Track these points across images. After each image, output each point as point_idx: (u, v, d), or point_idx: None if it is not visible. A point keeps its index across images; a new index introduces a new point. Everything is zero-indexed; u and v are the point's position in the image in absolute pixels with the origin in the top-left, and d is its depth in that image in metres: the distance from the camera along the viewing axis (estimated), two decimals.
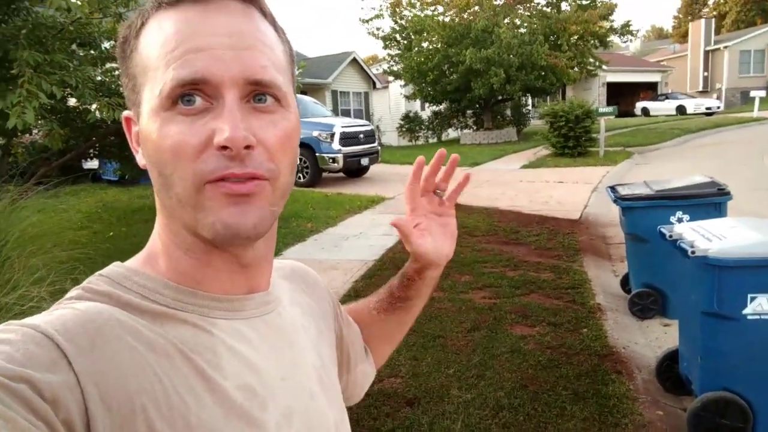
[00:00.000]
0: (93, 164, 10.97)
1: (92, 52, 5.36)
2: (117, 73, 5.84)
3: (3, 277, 3.16)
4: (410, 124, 24.32)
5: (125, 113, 0.58)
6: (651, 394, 3.02)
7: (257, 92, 0.52)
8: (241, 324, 0.57)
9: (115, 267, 0.55)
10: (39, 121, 4.13)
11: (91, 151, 7.37)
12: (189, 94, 0.50)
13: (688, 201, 3.88)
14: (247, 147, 0.50)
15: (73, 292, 0.52)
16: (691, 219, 3.87)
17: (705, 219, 3.88)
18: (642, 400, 2.93)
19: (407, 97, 21.86)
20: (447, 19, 18.78)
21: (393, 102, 26.00)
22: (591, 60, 20.36)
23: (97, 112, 4.61)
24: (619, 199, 4.05)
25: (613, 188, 4.39)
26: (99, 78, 5.20)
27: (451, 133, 24.53)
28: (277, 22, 0.58)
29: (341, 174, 11.88)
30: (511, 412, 2.81)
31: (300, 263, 0.78)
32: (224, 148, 0.49)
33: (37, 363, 0.42)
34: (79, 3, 4.50)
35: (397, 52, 21.14)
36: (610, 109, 14.33)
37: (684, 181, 4.11)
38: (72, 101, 5.55)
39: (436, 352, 3.52)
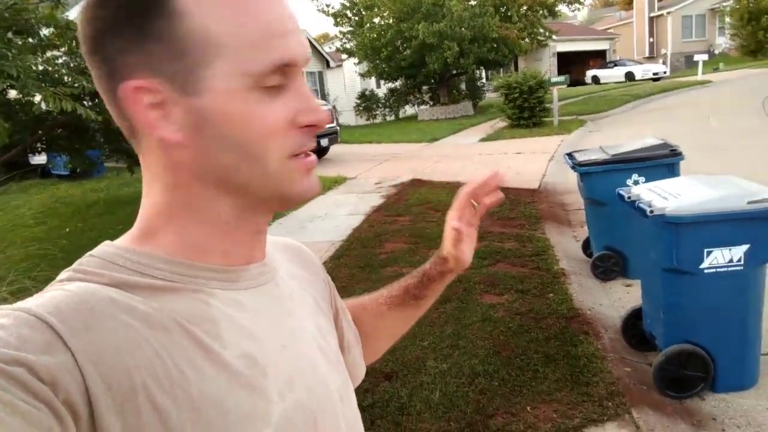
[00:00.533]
0: (41, 159, 10.50)
1: (30, 39, 5.10)
2: (60, 61, 5.57)
3: None
4: (367, 102, 24.18)
5: (135, 82, 0.50)
6: (618, 352, 3.15)
7: None
8: (239, 294, 0.57)
9: (105, 246, 0.54)
10: None
11: (38, 144, 7.07)
12: (277, 74, 0.52)
13: (642, 163, 4.00)
14: None
15: (64, 274, 0.51)
16: (647, 181, 4.00)
17: (660, 180, 4.05)
18: (610, 359, 3.05)
19: (362, 75, 21.66)
20: None
21: (348, 80, 25.74)
22: (541, 30, 20.59)
23: (42, 104, 4.40)
24: (576, 165, 4.15)
25: (570, 155, 4.49)
26: (41, 67, 4.96)
27: (408, 110, 24.52)
28: None
29: None
30: (486, 378, 2.89)
31: (294, 241, 0.79)
32: (312, 126, 0.55)
33: (32, 346, 0.41)
34: None
35: (349, 28, 20.89)
36: (561, 78, 14.59)
37: (638, 144, 4.24)
38: (13, 93, 5.29)
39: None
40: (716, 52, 34.67)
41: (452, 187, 8.05)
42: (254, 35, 0.50)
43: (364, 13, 19.52)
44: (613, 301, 3.96)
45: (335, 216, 6.93)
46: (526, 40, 19.80)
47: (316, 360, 0.62)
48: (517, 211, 6.33)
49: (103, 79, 0.53)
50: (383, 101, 24.15)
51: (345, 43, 20.88)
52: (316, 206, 7.58)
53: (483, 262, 4.68)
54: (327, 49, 25.40)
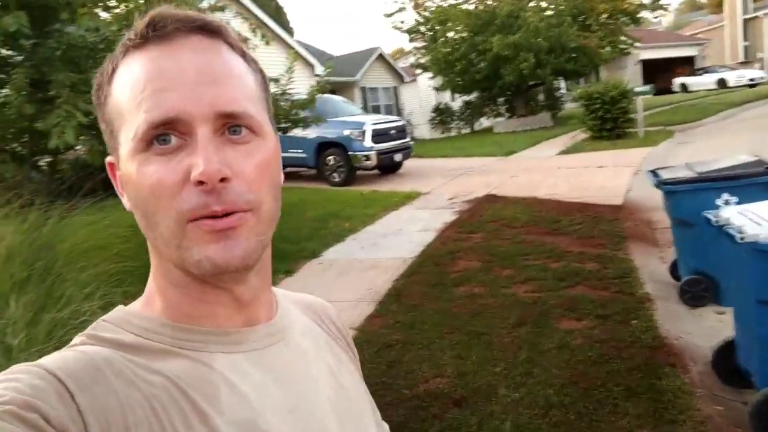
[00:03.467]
0: None
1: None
2: None
3: (56, 293, 3.28)
4: (441, 116, 24.14)
5: (108, 159, 0.58)
6: (708, 388, 2.91)
7: (230, 124, 0.52)
8: (241, 357, 0.56)
9: (117, 312, 0.57)
10: (80, 138, 4.25)
11: None
12: (164, 134, 0.51)
13: (734, 182, 3.71)
14: (223, 180, 0.50)
15: (77, 339, 0.54)
16: (740, 201, 3.71)
17: (754, 200, 3.73)
18: (699, 394, 2.83)
19: (436, 89, 21.67)
20: (471, 8, 18.51)
21: (423, 95, 25.84)
22: (623, 38, 19.76)
23: None
24: (661, 184, 3.92)
25: (654, 172, 4.25)
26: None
27: (484, 122, 24.25)
28: (247, 52, 0.58)
29: (375, 171, 11.89)
30: (562, 411, 2.76)
31: (320, 299, 0.78)
32: (200, 183, 0.49)
33: (44, 396, 0.44)
34: (107, 20, 4.60)
35: (423, 44, 20.99)
36: (647, 87, 14.00)
37: (728, 161, 3.94)
38: None
39: (481, 350, 3.48)
40: None
41: (528, 202, 7.87)
42: (139, 96, 0.51)
43: (437, 28, 19.55)
44: (704, 330, 3.67)
45: (408, 232, 6.92)
46: (607, 48, 19.07)
47: (328, 424, 0.60)
48: (599, 230, 6.06)
49: None
50: (458, 114, 24.02)
51: (419, 58, 20.99)
52: (390, 222, 7.62)
53: (561, 284, 4.51)
54: (401, 64, 25.66)
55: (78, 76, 4.07)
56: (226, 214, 0.50)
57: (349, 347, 0.76)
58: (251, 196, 0.52)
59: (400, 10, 20.20)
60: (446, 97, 24.87)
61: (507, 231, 6.39)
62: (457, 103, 24.39)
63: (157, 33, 0.52)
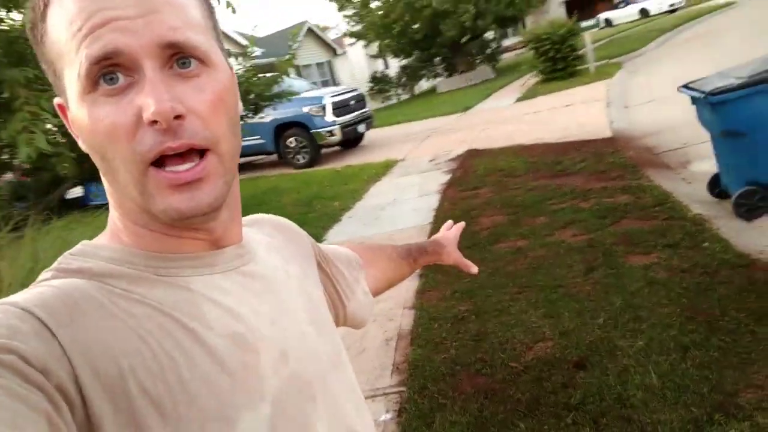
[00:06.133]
0: (77, 191, 10.23)
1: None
2: None
3: None
4: (380, 84, 23.62)
5: (56, 100, 0.56)
6: None
7: (179, 56, 0.50)
8: (217, 278, 0.56)
9: (82, 245, 0.55)
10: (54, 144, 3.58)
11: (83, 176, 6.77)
12: (110, 72, 0.48)
13: None
14: (178, 117, 0.48)
15: (46, 273, 0.52)
16: None
17: None
18: None
19: (374, 57, 21.11)
20: None
21: (356, 66, 25.20)
22: None
23: None
24: (710, 95, 3.66)
25: (689, 87, 4.01)
26: None
27: (424, 85, 23.90)
28: None
29: (337, 148, 11.33)
30: (701, 350, 2.46)
31: (263, 214, 0.78)
32: (154, 122, 0.47)
33: (22, 336, 0.42)
34: None
35: (353, 11, 20.29)
36: (591, 21, 13.87)
37: (760, 64, 3.72)
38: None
39: (567, 303, 3.15)
40: None
41: (515, 151, 7.60)
42: (77, 34, 0.48)
43: None
44: None
45: (407, 200, 6.52)
46: None
47: (306, 332, 0.63)
48: (606, 163, 5.84)
49: None
50: (396, 81, 23.55)
51: (352, 26, 20.29)
52: (381, 193, 7.19)
53: (604, 221, 4.24)
54: (332, 36, 24.86)
55: (33, 71, 3.38)
56: (187, 152, 0.49)
57: (309, 245, 0.78)
58: (207, 133, 0.50)
59: None
60: (380, 65, 24.34)
61: (512, 181, 6.09)
62: (392, 69, 23.91)
63: None
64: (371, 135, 12.47)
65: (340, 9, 20.24)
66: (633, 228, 4.00)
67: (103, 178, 0.54)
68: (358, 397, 0.68)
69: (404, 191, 6.96)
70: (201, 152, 0.50)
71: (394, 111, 18.24)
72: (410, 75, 23.02)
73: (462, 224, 1.21)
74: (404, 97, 23.74)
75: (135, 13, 0.48)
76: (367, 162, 9.54)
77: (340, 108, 10.35)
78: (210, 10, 0.57)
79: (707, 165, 5.06)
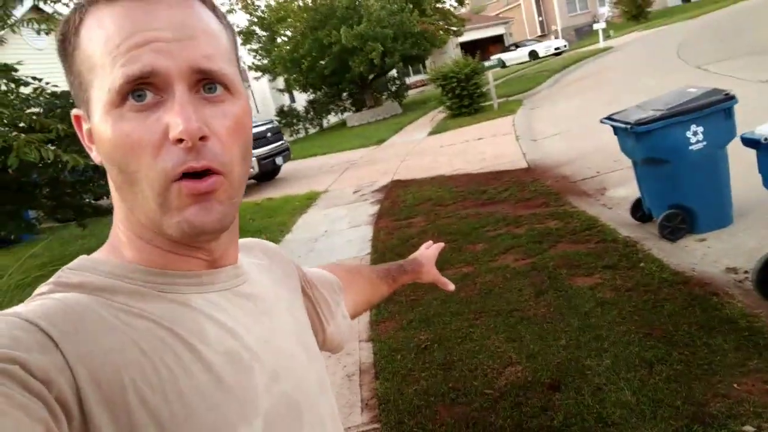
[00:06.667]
0: None
1: None
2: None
3: None
4: (287, 118, 23.46)
5: (74, 111, 0.57)
6: (764, 307, 2.94)
7: (206, 81, 0.52)
8: (215, 296, 0.58)
9: (80, 260, 0.55)
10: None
11: None
12: (139, 89, 0.49)
13: (701, 112, 3.86)
14: (202, 138, 0.50)
15: (44, 287, 0.52)
16: (705, 130, 3.89)
17: (717, 128, 3.94)
18: (764, 314, 2.84)
19: (281, 91, 20.97)
20: (309, 2, 18.14)
21: (259, 100, 24.89)
22: (454, 19, 20.84)
23: None
24: (635, 125, 3.95)
25: (611, 118, 4.32)
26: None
27: (332, 119, 24.05)
28: (218, 9, 0.58)
29: (252, 181, 11.02)
30: (665, 365, 2.57)
31: (251, 238, 0.80)
32: (180, 140, 0.49)
33: (25, 346, 0.42)
34: None
35: (259, 45, 20.14)
36: (493, 61, 14.73)
37: (684, 95, 4.10)
38: None
39: (526, 327, 3.20)
40: (601, 21, 36.94)
41: (440, 181, 7.78)
42: (114, 50, 0.49)
43: (274, 27, 18.84)
44: (702, 257, 3.78)
45: (339, 232, 6.42)
46: (442, 32, 19.95)
47: (296, 353, 0.64)
48: (529, 191, 6.13)
49: None
50: (303, 114, 23.53)
51: (259, 60, 20.09)
52: (310, 226, 7.03)
53: (542, 246, 4.40)
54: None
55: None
56: (205, 173, 0.50)
57: (293, 269, 0.80)
58: (225, 159, 0.52)
59: (230, 11, 19.07)
60: (286, 99, 24.20)
61: (443, 210, 6.21)
62: (299, 104, 23.87)
63: None
64: (288, 168, 12.29)
65: (245, 43, 20.02)
66: (570, 251, 4.18)
67: (114, 191, 0.55)
68: (339, 428, 0.69)
69: (334, 223, 6.86)
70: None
71: (307, 144, 18.15)
72: (318, 109, 23.12)
73: (441, 244, 1.26)
74: (313, 131, 23.73)
75: (173, 37, 0.50)
76: (288, 194, 9.35)
77: (256, 140, 10.10)
78: (235, 41, 0.60)
79: (623, 191, 5.47)
